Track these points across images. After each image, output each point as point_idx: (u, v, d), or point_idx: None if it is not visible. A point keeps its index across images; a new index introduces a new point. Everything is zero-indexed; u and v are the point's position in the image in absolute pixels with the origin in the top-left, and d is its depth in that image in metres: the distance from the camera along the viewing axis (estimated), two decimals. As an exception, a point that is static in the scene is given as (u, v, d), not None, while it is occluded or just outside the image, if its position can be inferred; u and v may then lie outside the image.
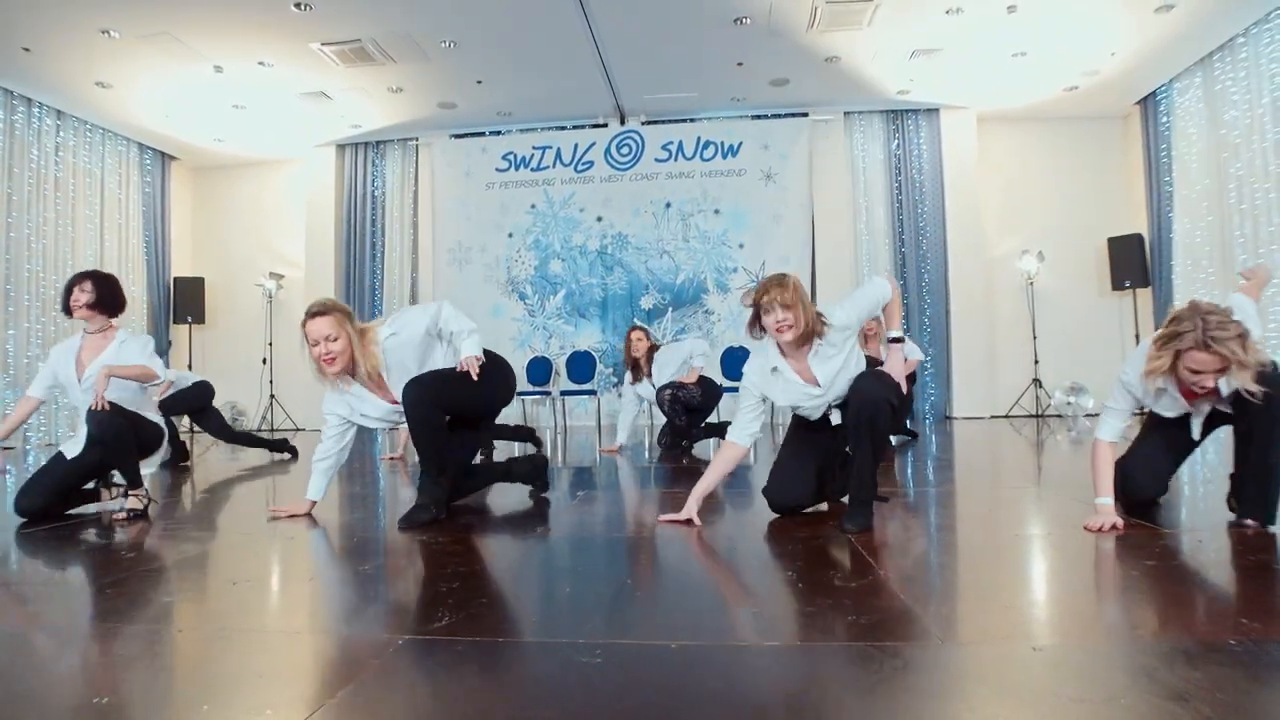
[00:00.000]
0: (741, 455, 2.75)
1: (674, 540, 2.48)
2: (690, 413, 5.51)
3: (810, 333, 2.51)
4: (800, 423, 2.81)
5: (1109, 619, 1.65)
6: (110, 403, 3.00)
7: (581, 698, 1.25)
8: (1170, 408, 2.52)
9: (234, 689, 1.34)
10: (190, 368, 9.52)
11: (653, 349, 5.82)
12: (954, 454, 5.13)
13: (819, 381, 2.57)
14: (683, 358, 5.70)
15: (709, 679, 1.31)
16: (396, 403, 2.86)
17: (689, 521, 2.61)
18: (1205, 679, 1.25)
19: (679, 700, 1.24)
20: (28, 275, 7.89)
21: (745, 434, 2.70)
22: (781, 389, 2.63)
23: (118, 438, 3.03)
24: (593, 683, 1.30)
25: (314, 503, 3.08)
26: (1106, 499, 2.45)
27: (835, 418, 2.67)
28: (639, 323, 7.22)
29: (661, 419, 5.76)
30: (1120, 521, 2.39)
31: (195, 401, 5.60)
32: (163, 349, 9.63)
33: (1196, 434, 2.54)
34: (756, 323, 2.56)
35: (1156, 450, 2.64)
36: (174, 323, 9.81)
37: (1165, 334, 2.27)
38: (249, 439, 5.83)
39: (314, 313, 2.79)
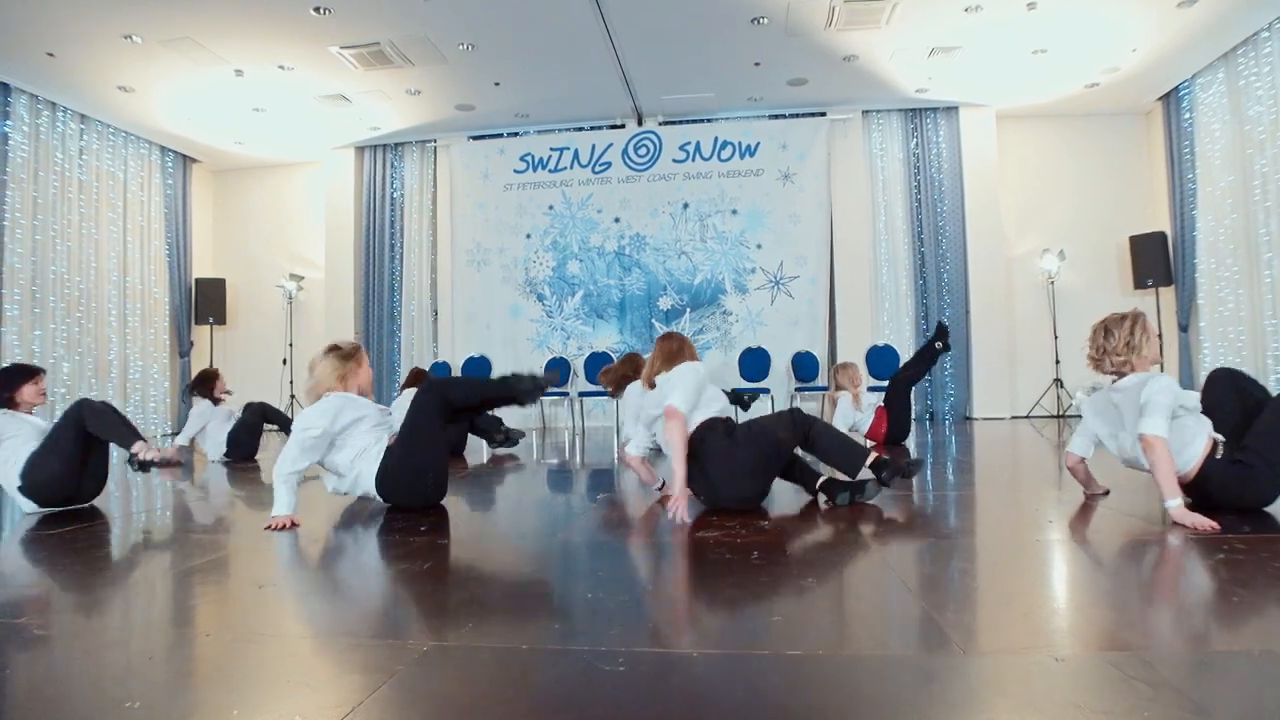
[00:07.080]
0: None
1: (693, 547, 2.48)
2: None
3: None
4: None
5: (1132, 628, 1.63)
6: None
7: (605, 706, 1.26)
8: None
9: (262, 694, 1.36)
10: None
11: None
12: (974, 456, 5.10)
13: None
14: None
15: (731, 688, 1.32)
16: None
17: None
18: (1229, 691, 1.24)
19: (702, 709, 1.25)
20: (53, 277, 8.01)
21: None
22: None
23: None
24: (616, 691, 1.32)
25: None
26: (1178, 499, 2.41)
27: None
28: None
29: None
30: (1215, 524, 2.33)
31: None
32: (185, 349, 9.77)
33: None
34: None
35: None
36: (195, 323, 9.92)
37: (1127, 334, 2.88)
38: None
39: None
